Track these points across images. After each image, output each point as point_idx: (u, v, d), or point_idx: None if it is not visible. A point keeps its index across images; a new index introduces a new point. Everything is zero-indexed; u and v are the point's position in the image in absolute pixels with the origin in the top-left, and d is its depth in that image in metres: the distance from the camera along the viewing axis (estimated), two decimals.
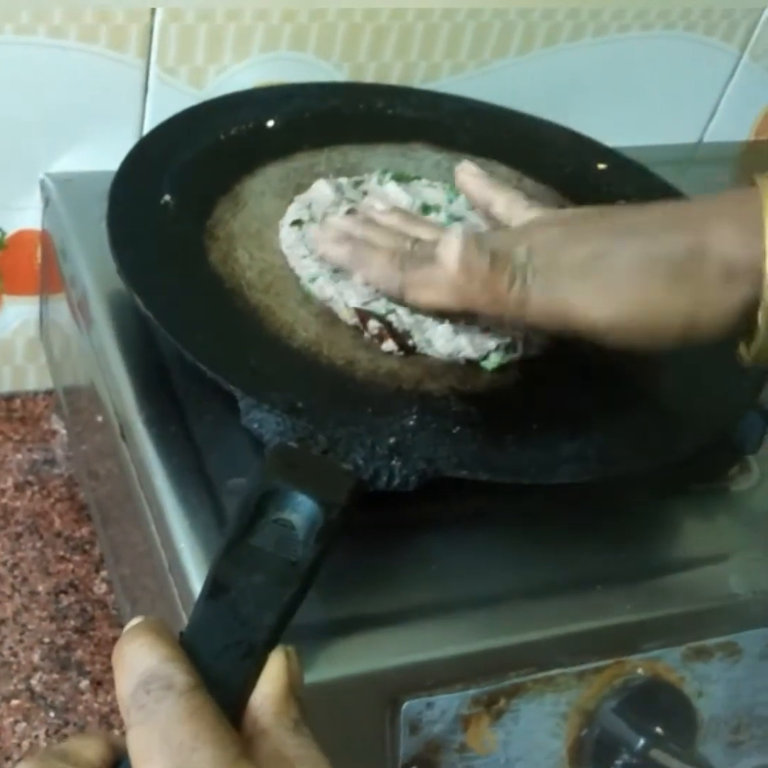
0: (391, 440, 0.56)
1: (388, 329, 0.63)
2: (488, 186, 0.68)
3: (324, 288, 0.65)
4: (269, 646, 0.40)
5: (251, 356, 0.60)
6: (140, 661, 0.37)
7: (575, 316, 0.57)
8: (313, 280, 0.65)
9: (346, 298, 0.64)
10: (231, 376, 0.57)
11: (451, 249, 0.58)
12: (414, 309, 0.63)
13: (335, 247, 0.65)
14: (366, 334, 0.64)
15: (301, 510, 0.44)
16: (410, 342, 0.63)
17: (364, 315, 0.63)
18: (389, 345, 0.63)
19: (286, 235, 0.69)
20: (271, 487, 0.45)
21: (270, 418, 0.56)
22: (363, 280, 0.64)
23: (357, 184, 0.74)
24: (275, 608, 0.41)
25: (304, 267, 0.66)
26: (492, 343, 0.63)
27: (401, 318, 0.63)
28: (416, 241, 0.63)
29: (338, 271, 0.65)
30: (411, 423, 0.58)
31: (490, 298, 0.58)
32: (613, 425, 0.62)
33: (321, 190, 0.72)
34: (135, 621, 0.40)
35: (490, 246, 0.58)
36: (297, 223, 0.69)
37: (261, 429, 0.56)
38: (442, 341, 0.63)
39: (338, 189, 0.72)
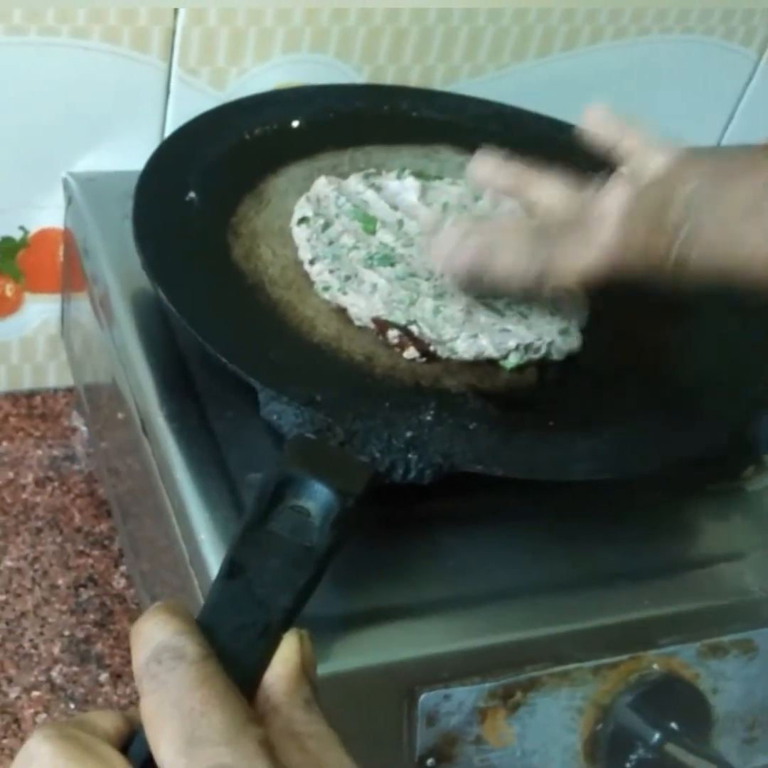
0: (408, 434, 0.57)
1: (409, 337, 0.63)
2: (618, 126, 0.65)
3: (336, 297, 0.65)
4: (284, 628, 0.41)
5: (271, 350, 0.61)
6: (154, 635, 0.38)
7: (742, 261, 0.54)
8: (325, 288, 0.66)
9: (359, 311, 0.64)
10: (250, 368, 0.58)
11: (614, 198, 0.57)
12: (440, 315, 0.64)
13: (458, 252, 0.62)
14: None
15: (317, 498, 0.45)
16: (432, 348, 0.64)
17: (382, 325, 0.64)
18: (411, 352, 0.63)
19: (297, 235, 0.69)
20: (288, 474, 0.45)
21: (288, 410, 0.56)
22: (499, 272, 0.61)
23: (367, 176, 0.74)
24: (291, 591, 0.42)
25: (316, 273, 0.67)
26: (512, 343, 0.64)
27: (422, 329, 0.64)
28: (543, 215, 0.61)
29: (349, 280, 0.66)
30: (428, 418, 0.59)
31: (648, 262, 0.56)
32: (628, 424, 0.63)
33: (321, 188, 0.72)
34: (154, 604, 0.40)
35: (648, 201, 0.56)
36: (304, 220, 0.70)
37: (280, 421, 0.56)
38: (465, 346, 0.64)
39: (339, 186, 0.72)
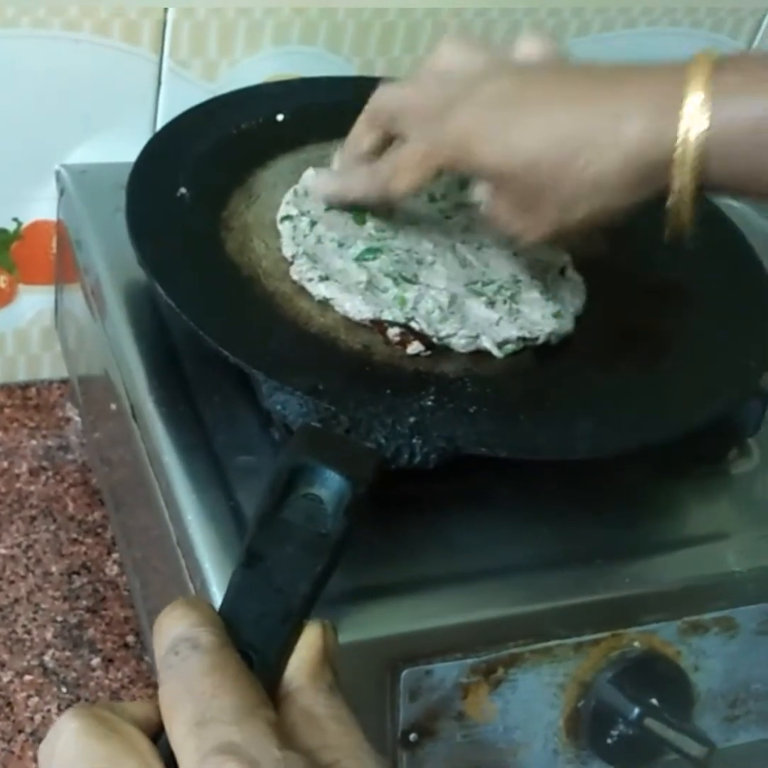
0: (411, 419, 0.57)
1: (412, 333, 0.64)
2: None
3: (327, 298, 0.65)
4: (304, 614, 0.42)
5: (271, 341, 0.61)
6: (172, 628, 0.39)
7: (477, 143, 0.59)
8: (314, 290, 0.66)
9: (348, 311, 0.65)
10: (253, 360, 0.59)
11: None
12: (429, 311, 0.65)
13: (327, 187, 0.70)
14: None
15: (329, 485, 0.45)
16: (434, 339, 0.64)
17: (381, 325, 0.64)
18: (415, 347, 0.64)
19: (281, 231, 0.70)
20: (299, 463, 0.46)
21: (293, 400, 0.57)
22: (357, 200, 0.68)
23: None
24: (309, 577, 0.42)
25: (294, 272, 0.67)
26: (511, 336, 0.65)
27: (420, 323, 0.64)
28: None
29: (329, 279, 0.65)
30: (429, 403, 0.60)
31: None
32: (625, 403, 0.63)
33: (310, 180, 0.72)
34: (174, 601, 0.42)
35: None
36: (287, 218, 0.70)
37: (284, 411, 0.57)
38: (464, 342, 0.64)
39: None
